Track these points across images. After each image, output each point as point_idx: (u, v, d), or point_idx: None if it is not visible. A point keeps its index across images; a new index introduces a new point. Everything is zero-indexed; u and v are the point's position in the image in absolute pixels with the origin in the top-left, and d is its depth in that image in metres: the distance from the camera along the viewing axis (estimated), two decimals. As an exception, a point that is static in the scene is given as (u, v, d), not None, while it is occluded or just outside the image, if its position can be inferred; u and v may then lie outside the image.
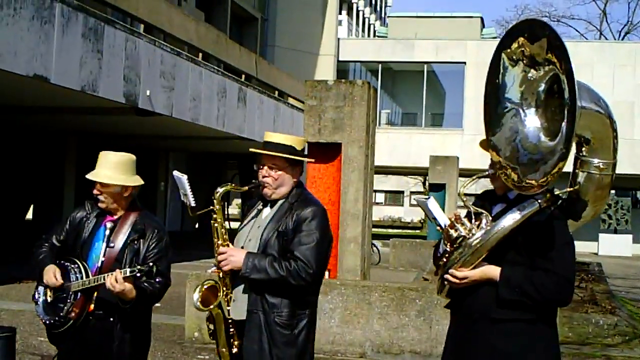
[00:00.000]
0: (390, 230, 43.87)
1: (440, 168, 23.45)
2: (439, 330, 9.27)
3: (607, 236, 37.73)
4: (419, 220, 58.74)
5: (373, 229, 12.73)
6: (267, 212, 4.71)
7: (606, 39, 61.01)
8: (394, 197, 70.84)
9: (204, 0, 34.27)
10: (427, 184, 26.45)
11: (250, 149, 4.90)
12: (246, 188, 4.70)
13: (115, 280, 4.48)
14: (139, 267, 4.49)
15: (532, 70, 3.75)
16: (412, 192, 64.29)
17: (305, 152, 4.80)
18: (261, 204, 4.78)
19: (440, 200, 22.31)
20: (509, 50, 3.80)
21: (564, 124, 3.48)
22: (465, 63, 36.66)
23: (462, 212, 4.19)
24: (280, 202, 4.68)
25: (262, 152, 4.65)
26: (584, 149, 3.98)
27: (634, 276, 25.27)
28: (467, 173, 24.77)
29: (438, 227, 4.22)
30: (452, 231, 4.05)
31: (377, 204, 66.56)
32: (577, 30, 64.49)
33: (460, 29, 41.57)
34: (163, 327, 11.09)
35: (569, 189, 4.06)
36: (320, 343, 9.58)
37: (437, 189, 23.07)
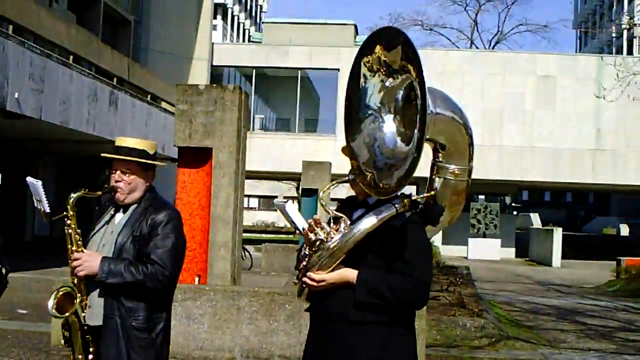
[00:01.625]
0: (263, 235, 43.79)
1: (312, 173, 23.61)
2: (308, 335, 9.31)
3: (476, 240, 38.64)
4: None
5: (245, 234, 12.76)
6: (120, 217, 4.70)
7: (477, 48, 62.67)
8: (268, 202, 70.91)
9: (76, 2, 33.59)
10: (300, 189, 26.68)
11: (102, 154, 4.85)
12: (99, 193, 4.68)
13: None
14: None
15: (389, 78, 3.83)
16: (285, 197, 64.44)
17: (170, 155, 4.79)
18: (113, 209, 4.75)
19: (312, 205, 22.48)
20: (367, 58, 3.88)
21: (416, 129, 3.58)
22: (339, 70, 36.96)
23: (325, 217, 4.24)
24: (133, 206, 4.69)
25: (114, 157, 4.66)
26: (440, 155, 4.08)
27: (501, 279, 25.98)
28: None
29: (297, 231, 4.27)
30: (311, 235, 4.09)
31: (251, 208, 66.47)
32: (448, 39, 66.25)
33: (334, 36, 41.90)
34: (29, 334, 10.84)
35: (426, 194, 4.15)
36: (190, 349, 9.53)
37: (310, 194, 23.23)
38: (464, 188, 4.19)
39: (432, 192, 4.15)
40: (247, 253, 22.81)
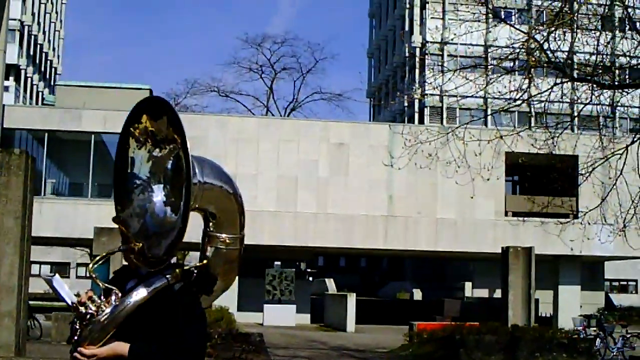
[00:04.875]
0: (54, 303, 42.28)
1: (105, 240, 23.06)
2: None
3: (272, 306, 38.69)
4: (85, 291, 57.23)
5: (35, 302, 12.29)
6: None
7: (273, 115, 63.70)
8: (61, 269, 68.77)
9: None
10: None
11: None
12: None
13: None
14: None
15: (157, 147, 3.83)
16: (78, 264, 62.75)
17: None
18: None
19: (104, 272, 21.92)
20: (135, 128, 3.86)
21: (182, 199, 3.57)
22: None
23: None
24: None
25: None
26: (211, 223, 4.08)
27: (295, 345, 26.13)
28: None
29: (67, 305, 4.13)
30: (81, 308, 3.97)
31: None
32: (245, 106, 66.68)
33: (129, 100, 41.29)
34: None
35: (198, 264, 4.12)
36: None
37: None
38: (236, 257, 4.20)
39: (204, 262, 4.14)
40: (36, 322, 21.99)
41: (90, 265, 4.19)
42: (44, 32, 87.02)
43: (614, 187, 17.48)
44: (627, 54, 17.12)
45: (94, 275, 4.13)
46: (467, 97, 20.02)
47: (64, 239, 39.04)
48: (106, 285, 4.06)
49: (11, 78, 72.97)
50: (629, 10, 16.39)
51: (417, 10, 72.47)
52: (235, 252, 4.18)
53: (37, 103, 79.46)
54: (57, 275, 4.18)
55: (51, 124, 38.73)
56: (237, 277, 4.44)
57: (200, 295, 4.18)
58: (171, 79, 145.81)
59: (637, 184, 16.88)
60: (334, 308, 39.48)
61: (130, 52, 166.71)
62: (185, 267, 4.07)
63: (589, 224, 20.34)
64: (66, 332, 21.64)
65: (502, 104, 19.09)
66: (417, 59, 66.92)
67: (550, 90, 16.56)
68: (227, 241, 4.09)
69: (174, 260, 4.03)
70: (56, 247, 52.46)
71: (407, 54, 72.39)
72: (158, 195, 3.86)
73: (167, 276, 3.95)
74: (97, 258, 4.21)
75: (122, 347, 3.94)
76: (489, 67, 19.30)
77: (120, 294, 3.98)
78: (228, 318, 24.66)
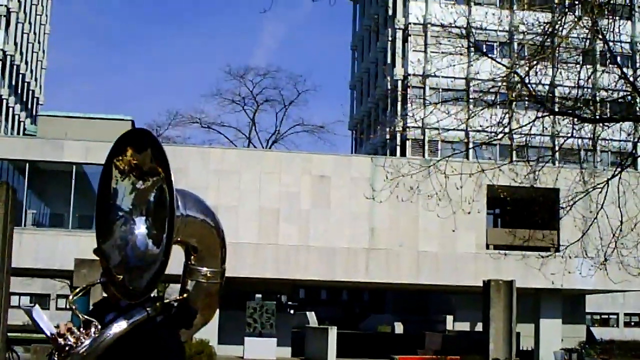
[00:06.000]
0: (33, 335, 41.92)
1: (85, 271, 22.94)
2: None
3: (253, 339, 38.39)
4: (64, 323, 56.87)
5: (14, 334, 12.17)
6: None
7: (255, 146, 63.72)
8: (40, 300, 68.31)
9: None
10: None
11: None
12: None
13: None
14: None
15: (140, 180, 3.82)
16: (58, 295, 62.33)
17: None
18: None
19: (84, 304, 21.78)
20: (119, 160, 3.85)
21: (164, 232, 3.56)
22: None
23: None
24: None
25: None
26: (192, 257, 4.07)
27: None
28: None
29: (46, 337, 4.10)
30: (60, 340, 3.95)
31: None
32: (227, 138, 66.61)
33: (111, 131, 41.34)
34: None
35: (178, 298, 4.11)
36: None
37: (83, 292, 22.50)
38: (217, 290, 4.18)
39: (185, 295, 4.12)
40: (14, 354, 21.81)
41: (70, 297, 4.17)
42: (26, 62, 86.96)
43: (595, 220, 17.53)
44: (608, 87, 17.24)
45: (73, 307, 4.11)
46: (449, 130, 20.10)
47: (44, 270, 38.77)
48: (86, 317, 4.04)
49: (-7, 108, 72.88)
50: (610, 44, 16.51)
51: (399, 43, 72.85)
52: (216, 286, 4.16)
53: (18, 133, 79.25)
54: (37, 306, 4.15)
55: (32, 154, 38.56)
56: (217, 310, 4.42)
57: (179, 328, 4.16)
58: (153, 110, 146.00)
59: (618, 218, 16.94)
60: (315, 341, 39.28)
61: (112, 82, 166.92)
62: (166, 300, 4.05)
63: (570, 257, 20.41)
64: (45, 364, 21.58)
65: (483, 138, 19.17)
66: (399, 92, 67.14)
67: (531, 124, 16.63)
68: (208, 275, 4.08)
69: (154, 293, 4.01)
70: (36, 278, 52.13)
71: (389, 87, 72.67)
72: (140, 227, 3.85)
73: (148, 309, 3.93)
74: (77, 290, 4.19)
75: (101, 380, 3.92)
76: (471, 100, 19.42)
77: (99, 326, 3.96)
78: (209, 351, 24.54)
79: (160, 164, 3.64)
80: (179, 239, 3.77)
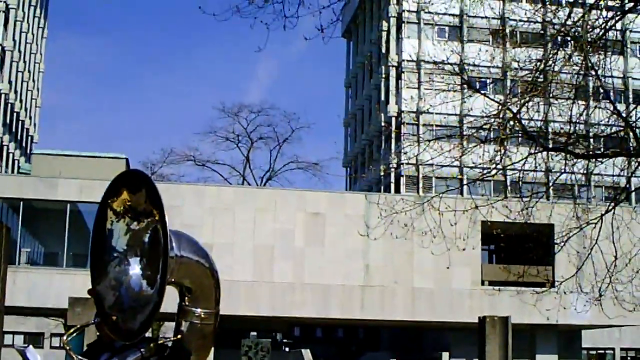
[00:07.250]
0: (27, 376, 41.65)
1: (79, 310, 22.81)
2: None
3: (242, 376, 38.19)
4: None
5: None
6: None
7: (249, 184, 63.66)
8: (34, 339, 67.84)
9: None
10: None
11: None
12: None
13: None
14: None
15: (135, 221, 3.82)
16: (52, 334, 61.92)
17: None
18: None
19: (78, 345, 21.63)
20: (113, 201, 3.85)
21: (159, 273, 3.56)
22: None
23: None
24: None
25: None
26: (186, 298, 4.06)
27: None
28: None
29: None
30: (54, 382, 3.93)
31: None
32: (221, 175, 66.48)
33: (105, 169, 41.39)
34: None
35: (172, 338, 4.10)
36: None
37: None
38: (211, 331, 4.17)
39: (179, 336, 4.11)
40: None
41: (65, 337, 4.16)
42: (20, 101, 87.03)
43: (590, 256, 17.51)
44: (601, 123, 17.29)
45: (67, 347, 4.09)
46: (443, 166, 20.12)
47: (38, 309, 38.58)
48: (80, 357, 4.02)
49: (-13, 147, 72.89)
50: (602, 80, 16.58)
51: (392, 81, 73.19)
52: (210, 327, 4.15)
53: (12, 171, 79.09)
54: (30, 346, 4.14)
55: (26, 193, 38.52)
56: (212, 349, 4.40)
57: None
58: (148, 148, 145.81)
59: (612, 253, 16.93)
60: (311, 379, 39.04)
61: (106, 121, 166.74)
62: (160, 341, 4.04)
63: (565, 293, 20.35)
64: (38, 404, 21.37)
65: (477, 174, 19.19)
66: (392, 129, 67.27)
67: (524, 160, 16.65)
68: (202, 316, 4.08)
69: (148, 333, 4.00)
70: (30, 317, 51.79)
71: (382, 124, 72.83)
72: (134, 268, 3.85)
73: (142, 350, 3.92)
74: (72, 330, 4.17)
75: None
76: (464, 137, 19.43)
77: (93, 368, 3.94)
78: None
79: (155, 205, 3.65)
80: (173, 279, 3.77)
